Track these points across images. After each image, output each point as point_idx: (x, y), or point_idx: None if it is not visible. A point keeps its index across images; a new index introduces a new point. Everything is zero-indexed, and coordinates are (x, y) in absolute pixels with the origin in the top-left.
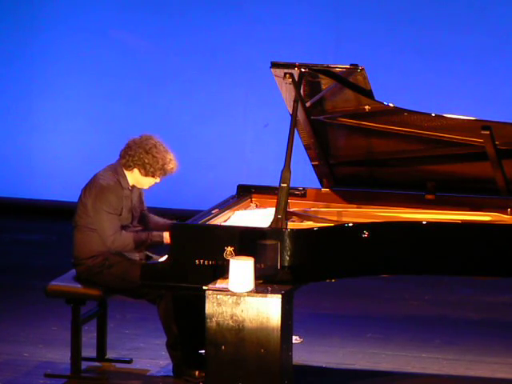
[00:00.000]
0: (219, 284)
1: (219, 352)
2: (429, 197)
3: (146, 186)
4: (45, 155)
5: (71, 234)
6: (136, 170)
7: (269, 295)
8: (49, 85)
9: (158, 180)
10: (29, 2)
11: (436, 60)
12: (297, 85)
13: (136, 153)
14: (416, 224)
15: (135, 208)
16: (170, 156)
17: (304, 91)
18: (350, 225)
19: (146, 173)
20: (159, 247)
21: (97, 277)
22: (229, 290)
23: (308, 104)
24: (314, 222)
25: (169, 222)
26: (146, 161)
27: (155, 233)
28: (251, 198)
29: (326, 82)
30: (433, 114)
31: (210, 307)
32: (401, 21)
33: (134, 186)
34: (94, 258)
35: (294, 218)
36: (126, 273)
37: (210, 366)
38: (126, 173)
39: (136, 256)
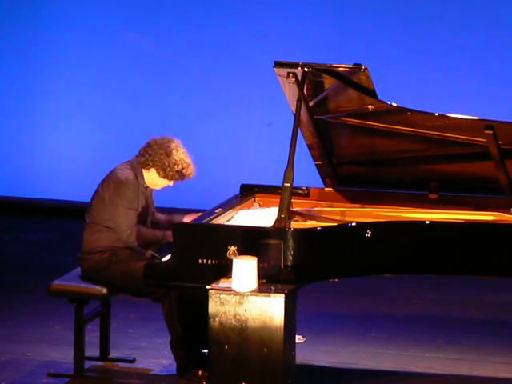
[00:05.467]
0: (222, 283)
1: (222, 351)
2: (432, 196)
3: (159, 188)
4: (48, 154)
5: (79, 229)
6: (153, 170)
7: (272, 295)
8: (52, 84)
9: (171, 183)
10: (32, 1)
11: (439, 59)
12: (300, 84)
13: (156, 153)
14: (419, 224)
15: (149, 207)
16: (189, 161)
17: (307, 91)
18: (354, 224)
19: (164, 175)
20: (163, 247)
21: (102, 272)
22: (232, 290)
23: (311, 103)
24: (318, 221)
25: (169, 217)
26: (166, 163)
27: (169, 233)
28: (254, 197)
29: (329, 82)
30: (436, 114)
31: (213, 306)
32: (404, 21)
33: (147, 186)
34: (102, 252)
35: (298, 217)
36: (132, 270)
37: (214, 366)
38: (143, 171)
39: (143, 254)
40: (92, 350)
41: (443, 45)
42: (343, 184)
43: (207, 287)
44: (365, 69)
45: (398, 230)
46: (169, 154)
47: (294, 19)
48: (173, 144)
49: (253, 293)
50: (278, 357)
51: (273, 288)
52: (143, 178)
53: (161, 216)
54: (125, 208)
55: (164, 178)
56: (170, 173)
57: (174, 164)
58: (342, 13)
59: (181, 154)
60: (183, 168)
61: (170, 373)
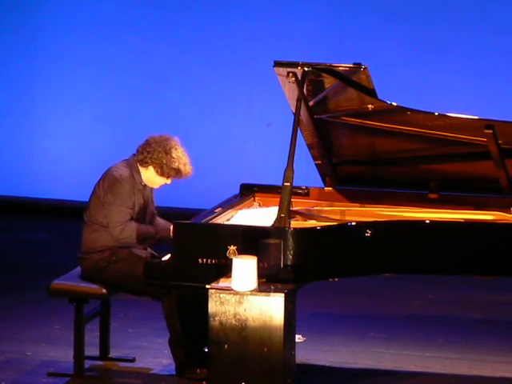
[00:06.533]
0: (222, 283)
1: (222, 351)
2: (432, 196)
3: (157, 186)
4: (48, 154)
5: (79, 229)
6: (151, 168)
7: (272, 294)
8: (51, 82)
9: (169, 181)
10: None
11: (439, 59)
12: (300, 84)
13: (155, 151)
14: (419, 223)
15: (147, 205)
16: (187, 160)
17: (307, 90)
18: (353, 224)
19: (162, 172)
20: (163, 246)
21: (102, 272)
22: (232, 289)
23: (311, 103)
24: (317, 220)
25: (168, 223)
26: (164, 161)
27: (163, 230)
28: (254, 196)
29: (329, 81)
30: (436, 113)
31: (213, 306)
32: (404, 20)
33: (145, 185)
34: (102, 252)
35: (297, 216)
36: (132, 269)
37: (213, 365)
38: (141, 169)
39: (143, 253)
40: (92, 349)
41: (443, 44)
42: (343, 183)
43: (207, 287)
44: (365, 68)
45: (397, 230)
46: (167, 152)
47: (294, 18)
48: (172, 142)
49: (253, 292)
50: (277, 356)
51: (273, 287)
52: (140, 176)
53: (161, 221)
54: (118, 205)
55: (161, 175)
56: (167, 170)
57: (172, 162)
58: (342, 12)
59: (179, 153)
60: (180, 165)
61: (170, 372)
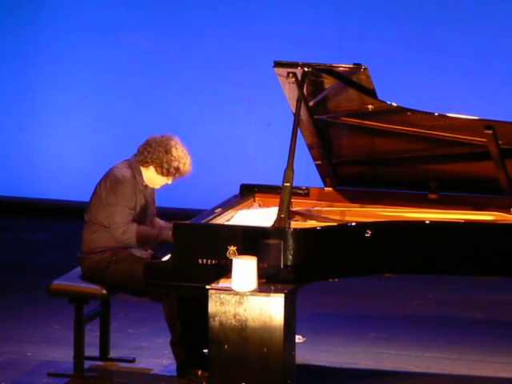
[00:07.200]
0: (222, 283)
1: (222, 351)
2: (432, 196)
3: (158, 186)
4: (48, 154)
5: (79, 229)
6: (152, 168)
7: (272, 294)
8: (52, 82)
9: (170, 181)
10: (32, 0)
11: (440, 59)
12: (300, 84)
13: (155, 151)
14: (419, 223)
15: (148, 206)
16: (187, 159)
17: (307, 90)
18: (353, 224)
19: (162, 172)
20: (164, 247)
21: (103, 272)
22: (232, 290)
23: (311, 103)
24: (317, 221)
25: (167, 222)
26: (164, 160)
27: (165, 231)
28: (254, 197)
29: (329, 82)
30: (436, 114)
31: (213, 306)
32: (404, 20)
33: (147, 185)
34: (102, 252)
35: (297, 217)
36: (132, 270)
37: (213, 366)
38: (142, 169)
39: (144, 254)
40: (92, 349)
41: (443, 44)
42: (343, 184)
43: (207, 287)
44: (364, 68)
45: (397, 230)
46: (168, 152)
47: (295, 18)
48: (172, 142)
49: (253, 293)
50: (277, 357)
51: (273, 288)
52: (142, 177)
53: (159, 221)
54: (120, 206)
55: (162, 175)
56: (168, 170)
57: (173, 161)
58: (342, 12)
59: (179, 152)
60: (180, 164)
61: (170, 373)
